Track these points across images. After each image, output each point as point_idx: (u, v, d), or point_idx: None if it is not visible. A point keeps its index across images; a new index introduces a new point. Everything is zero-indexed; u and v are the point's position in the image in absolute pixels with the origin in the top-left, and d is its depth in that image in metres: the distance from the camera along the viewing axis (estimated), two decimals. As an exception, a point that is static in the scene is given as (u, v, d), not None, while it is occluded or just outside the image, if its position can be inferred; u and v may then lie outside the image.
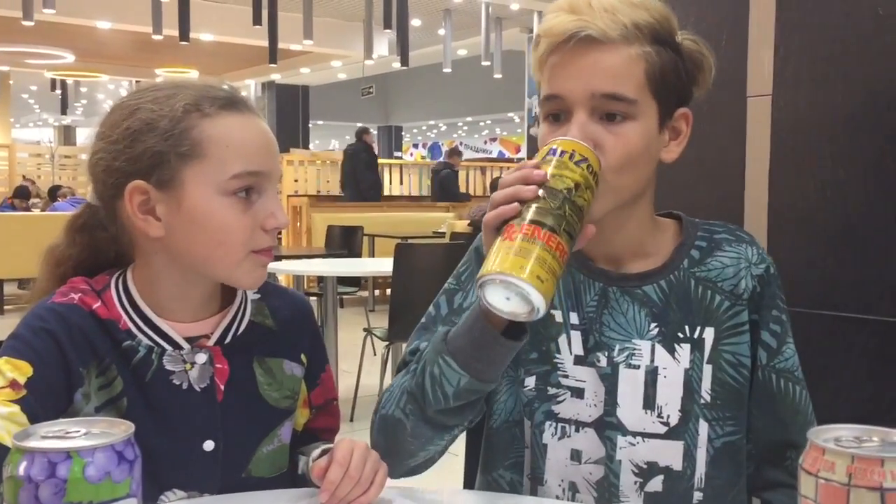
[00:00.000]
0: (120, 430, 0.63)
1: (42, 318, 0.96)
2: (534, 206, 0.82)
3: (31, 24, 9.62)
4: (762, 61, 1.66)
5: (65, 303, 0.98)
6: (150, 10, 9.91)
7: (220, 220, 0.96)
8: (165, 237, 0.98)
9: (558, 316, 1.06)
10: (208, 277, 1.02)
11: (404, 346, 4.69)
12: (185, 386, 1.00)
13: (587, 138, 0.93)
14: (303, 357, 1.11)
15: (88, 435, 0.62)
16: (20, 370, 0.92)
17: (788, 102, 1.62)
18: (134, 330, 1.00)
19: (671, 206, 1.12)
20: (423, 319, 1.13)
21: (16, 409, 0.90)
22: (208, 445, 1.01)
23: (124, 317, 1.00)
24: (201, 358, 1.02)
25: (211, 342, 1.03)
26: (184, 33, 9.61)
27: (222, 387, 1.02)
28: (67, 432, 0.62)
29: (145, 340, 1.00)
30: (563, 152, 0.86)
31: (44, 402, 0.92)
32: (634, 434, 1.02)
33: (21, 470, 0.59)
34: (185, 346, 1.01)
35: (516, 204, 0.83)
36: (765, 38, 1.65)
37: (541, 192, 0.83)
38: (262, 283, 1.04)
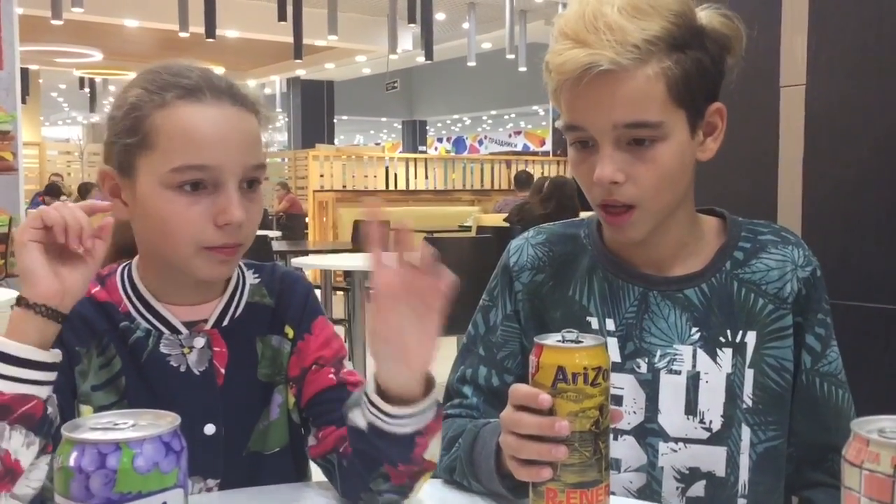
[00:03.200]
0: (166, 421, 0.64)
1: None
2: (569, 465, 0.76)
3: (60, 23, 9.75)
4: (795, 49, 1.64)
5: None
6: (177, 7, 10.01)
7: (162, 214, 0.94)
8: (133, 223, 1.00)
9: (594, 323, 1.04)
10: (171, 266, 1.00)
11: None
12: (182, 369, 1.01)
13: (618, 170, 0.93)
14: (287, 329, 1.08)
15: (136, 427, 0.63)
16: None
17: (823, 92, 1.61)
18: (133, 313, 1.01)
19: (703, 198, 1.11)
20: (465, 339, 1.14)
21: None
22: (209, 429, 1.00)
23: (125, 300, 1.01)
24: (199, 342, 1.01)
25: (208, 326, 1.03)
26: (210, 30, 9.69)
27: (223, 370, 1.02)
28: (116, 424, 0.63)
29: (144, 324, 1.01)
30: (574, 376, 0.75)
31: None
32: (677, 440, 1.00)
33: (72, 461, 0.60)
34: (184, 330, 1.01)
35: (550, 470, 0.77)
36: (798, 25, 1.64)
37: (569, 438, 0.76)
38: (225, 276, 1.02)
